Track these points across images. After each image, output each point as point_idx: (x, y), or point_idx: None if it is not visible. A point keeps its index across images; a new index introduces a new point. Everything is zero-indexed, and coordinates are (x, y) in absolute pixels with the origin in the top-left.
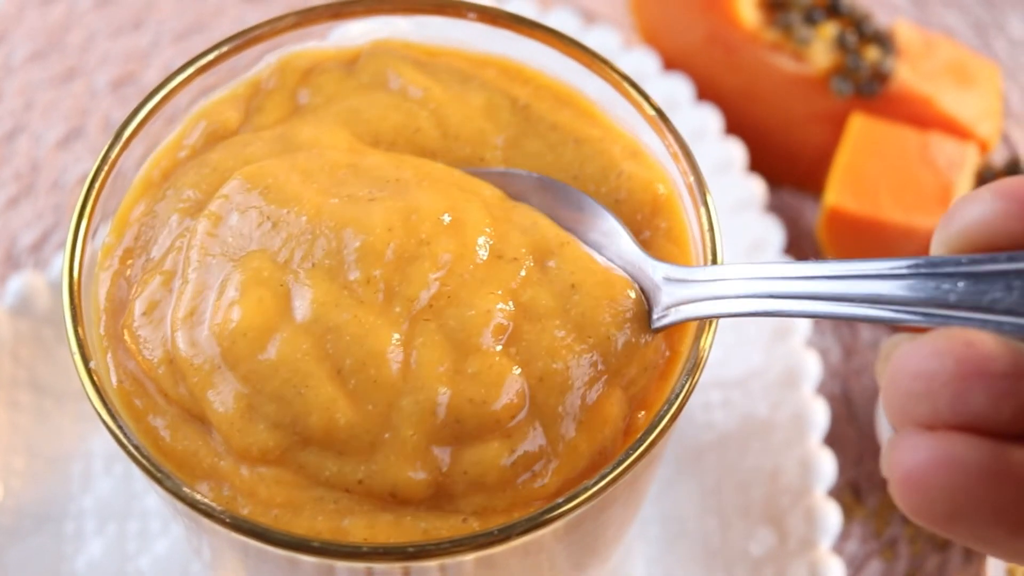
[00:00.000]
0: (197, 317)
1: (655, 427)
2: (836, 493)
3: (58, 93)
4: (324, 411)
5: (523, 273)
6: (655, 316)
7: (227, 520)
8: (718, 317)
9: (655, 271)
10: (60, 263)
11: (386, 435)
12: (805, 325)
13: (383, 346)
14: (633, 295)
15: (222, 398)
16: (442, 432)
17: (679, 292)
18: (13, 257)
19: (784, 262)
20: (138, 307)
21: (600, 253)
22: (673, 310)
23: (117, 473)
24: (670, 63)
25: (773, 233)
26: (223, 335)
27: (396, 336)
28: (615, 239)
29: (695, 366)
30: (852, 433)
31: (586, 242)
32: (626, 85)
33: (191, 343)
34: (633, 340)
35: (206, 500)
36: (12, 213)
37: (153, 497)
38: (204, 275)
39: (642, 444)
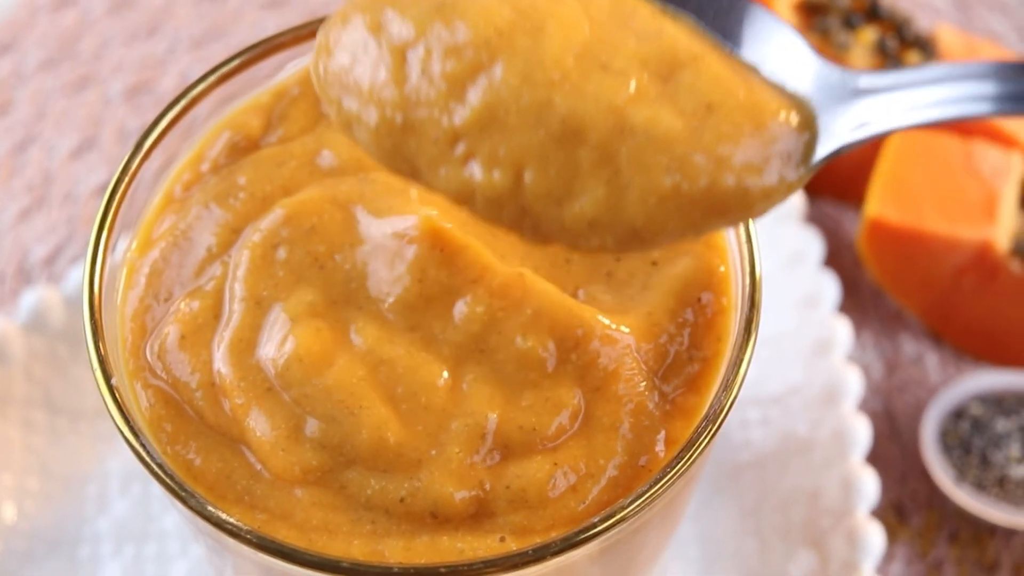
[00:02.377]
0: (246, 344)
1: (694, 443)
2: (879, 513)
3: (71, 102)
4: (375, 430)
5: None
6: (850, 127)
7: (253, 540)
8: (930, 124)
9: (852, 80)
10: (75, 277)
11: (432, 452)
12: (846, 340)
13: (434, 379)
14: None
15: (267, 420)
16: (488, 451)
17: (883, 101)
18: (25, 271)
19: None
20: (175, 330)
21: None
22: (871, 123)
23: (134, 494)
24: None
25: (812, 244)
26: (279, 360)
27: (446, 373)
28: (791, 57)
29: (734, 377)
30: (895, 451)
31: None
32: None
33: (239, 368)
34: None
35: (231, 519)
36: (24, 226)
37: (171, 518)
38: (253, 305)
39: (681, 461)
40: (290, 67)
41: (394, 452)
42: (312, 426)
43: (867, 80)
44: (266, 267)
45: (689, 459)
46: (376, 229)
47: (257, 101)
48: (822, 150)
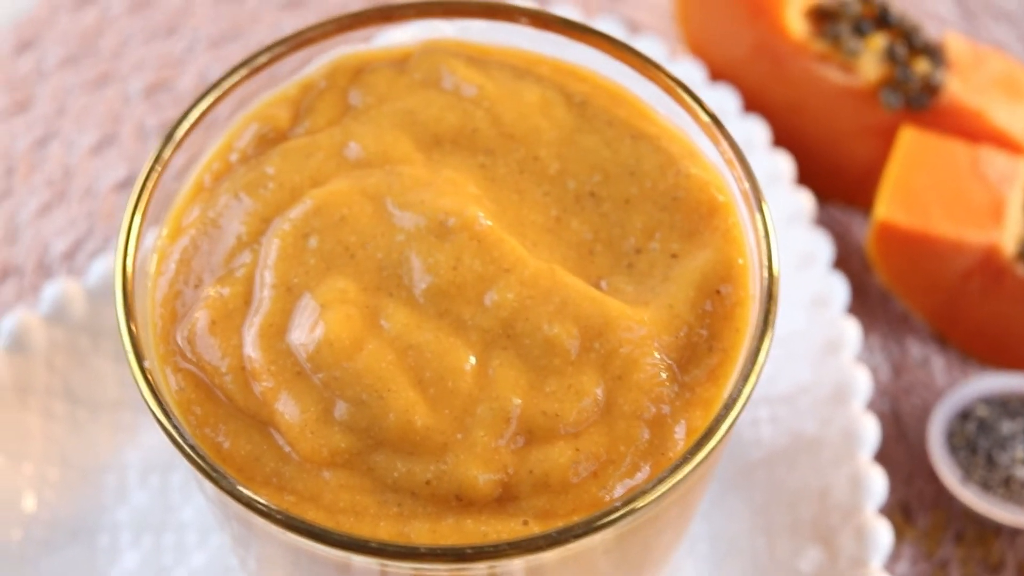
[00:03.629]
0: (276, 329)
1: (712, 432)
2: (886, 513)
3: (91, 99)
4: (403, 413)
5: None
6: None
7: (281, 519)
8: None
9: None
10: (97, 270)
11: (458, 435)
12: (855, 340)
13: (461, 363)
14: None
15: (296, 403)
16: (513, 436)
17: None
18: (45, 265)
19: None
20: (206, 316)
21: None
22: None
23: (153, 485)
24: (716, 74)
25: (822, 246)
26: (309, 344)
27: (473, 359)
28: None
29: (752, 367)
30: (902, 452)
31: None
32: (679, 90)
33: (269, 351)
34: None
35: (261, 499)
36: (44, 220)
37: (190, 509)
38: (284, 292)
39: (700, 449)
40: (315, 62)
41: (421, 435)
42: (341, 409)
43: None
44: (297, 255)
45: (708, 448)
46: (408, 220)
47: (285, 94)
48: None
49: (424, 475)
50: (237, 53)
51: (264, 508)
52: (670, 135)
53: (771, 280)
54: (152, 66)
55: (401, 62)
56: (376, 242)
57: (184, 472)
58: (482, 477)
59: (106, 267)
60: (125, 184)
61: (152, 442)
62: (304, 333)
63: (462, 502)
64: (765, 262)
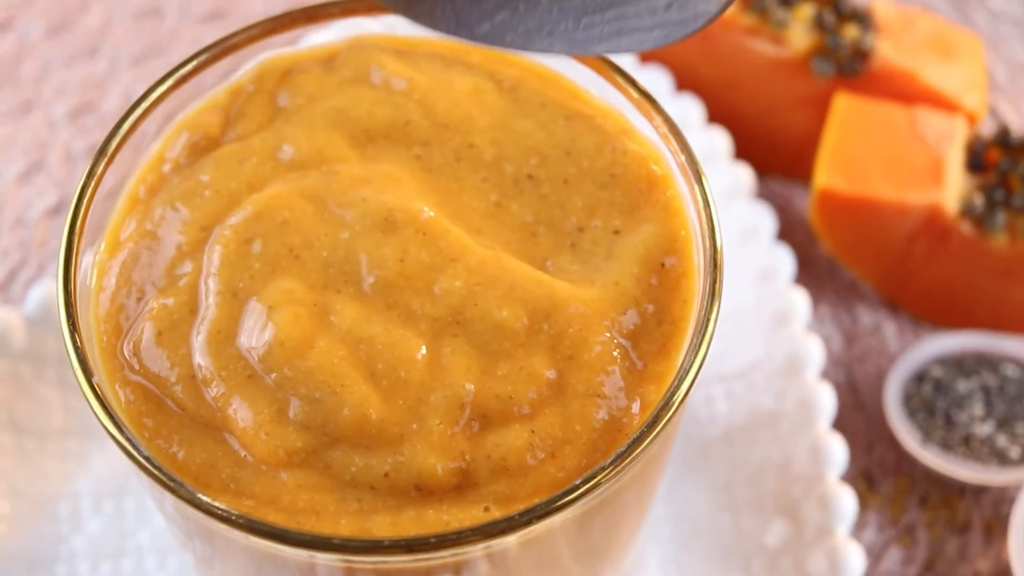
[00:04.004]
0: (224, 335)
1: (668, 404)
2: (849, 482)
3: (15, 127)
4: (357, 407)
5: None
6: None
7: (242, 523)
8: None
9: None
10: (35, 297)
11: (414, 426)
12: (805, 310)
13: (412, 353)
14: None
15: (249, 406)
16: (468, 421)
17: None
18: None
19: None
20: (151, 327)
21: None
22: None
23: (107, 511)
24: (646, 56)
25: (764, 219)
26: (260, 346)
27: (424, 348)
28: None
29: (703, 337)
30: (860, 421)
31: None
32: (610, 70)
33: (219, 358)
34: None
35: (222, 505)
36: None
37: (146, 533)
38: (230, 297)
39: (656, 421)
40: (243, 68)
41: (376, 428)
42: (295, 408)
43: None
44: (240, 260)
45: (665, 419)
46: (351, 218)
47: (214, 100)
48: None
49: (382, 468)
50: (160, 70)
51: (224, 513)
52: (604, 114)
53: (715, 249)
54: (75, 89)
55: (328, 60)
56: (321, 241)
57: (138, 496)
58: (440, 465)
59: (44, 294)
60: (57, 210)
61: (103, 468)
62: (253, 336)
63: (422, 492)
64: (707, 232)
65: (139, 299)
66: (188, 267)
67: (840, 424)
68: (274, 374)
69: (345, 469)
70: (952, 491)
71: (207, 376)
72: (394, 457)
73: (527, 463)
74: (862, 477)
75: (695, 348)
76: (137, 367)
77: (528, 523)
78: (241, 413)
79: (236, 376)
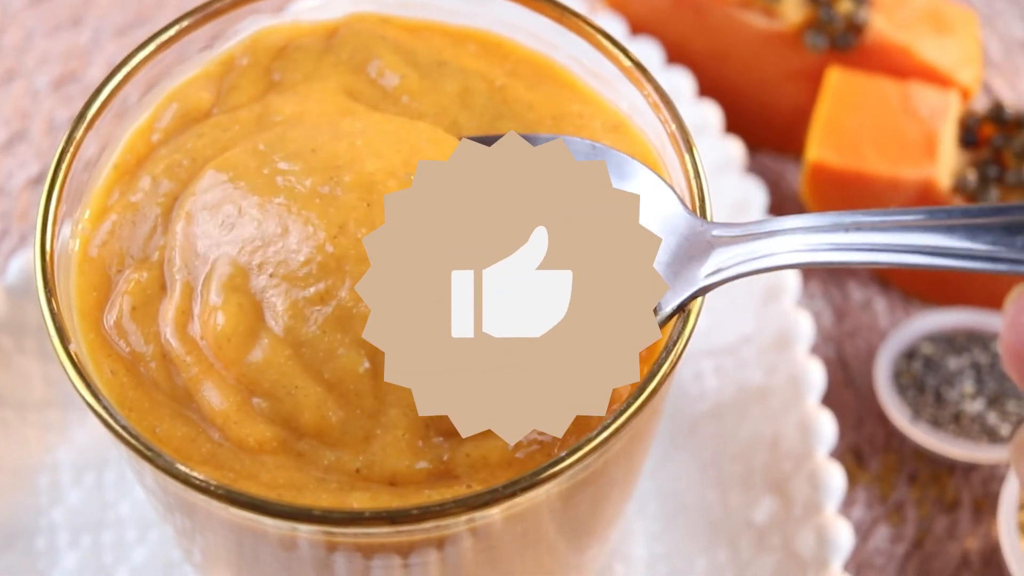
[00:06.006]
0: (188, 316)
1: (653, 376)
2: (837, 458)
3: None
4: (315, 410)
5: None
6: (704, 274)
7: (222, 494)
8: (772, 270)
9: (706, 231)
10: (15, 267)
11: (378, 431)
12: (795, 285)
13: (355, 366)
14: None
15: (218, 392)
16: (437, 427)
17: (733, 251)
18: None
19: (840, 214)
20: (127, 302)
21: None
22: (724, 270)
23: (87, 483)
24: (637, 27)
25: (756, 194)
26: (211, 337)
27: (366, 362)
28: (660, 204)
29: (688, 313)
30: (850, 397)
31: None
32: (600, 38)
33: (185, 341)
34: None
35: (201, 476)
36: None
37: (127, 505)
38: (187, 276)
39: (643, 391)
40: (229, 36)
41: (339, 430)
42: (258, 401)
43: (719, 231)
44: (196, 233)
45: (649, 390)
46: (293, 178)
47: (206, 71)
48: (677, 297)
49: (353, 464)
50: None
51: (203, 484)
52: (594, 108)
53: (704, 218)
54: (58, 59)
55: (327, 37)
56: (255, 212)
57: (119, 468)
58: (416, 464)
59: (24, 264)
60: (38, 180)
61: (83, 440)
62: (202, 326)
63: (397, 486)
64: (698, 203)
65: (119, 271)
66: (160, 240)
67: (829, 400)
68: (231, 369)
69: (318, 460)
70: (941, 468)
71: (175, 358)
72: (365, 455)
73: (512, 457)
74: (851, 454)
75: (683, 321)
76: (118, 341)
77: (513, 495)
78: (211, 398)
79: (202, 362)
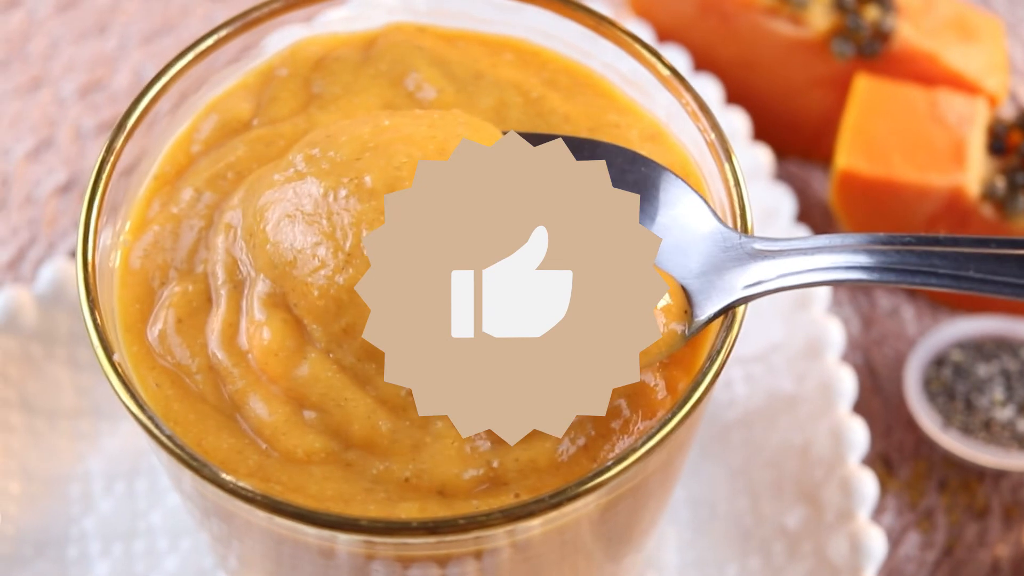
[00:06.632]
0: (235, 328)
1: (698, 385)
2: (867, 465)
3: (24, 104)
4: (365, 420)
5: None
6: (743, 284)
7: (266, 503)
8: (814, 285)
9: (746, 244)
10: (46, 276)
11: (428, 439)
12: (825, 293)
13: (395, 389)
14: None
15: (265, 405)
16: (486, 437)
17: (774, 264)
18: None
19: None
20: (172, 314)
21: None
22: (765, 282)
23: (118, 492)
24: (664, 35)
25: (784, 202)
26: (257, 351)
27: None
28: (695, 219)
29: (732, 319)
30: (878, 404)
31: (656, 224)
32: (637, 46)
33: (232, 353)
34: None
35: (244, 484)
36: None
37: (158, 514)
38: (233, 289)
39: (687, 402)
40: (265, 45)
41: (388, 439)
42: (308, 414)
43: (762, 244)
44: (235, 248)
45: (697, 400)
46: (314, 189)
47: (244, 82)
48: (714, 306)
49: (403, 473)
50: (171, 48)
51: (248, 494)
52: (631, 118)
53: (744, 226)
54: (84, 67)
55: (365, 48)
56: (289, 227)
57: (150, 477)
58: (465, 474)
59: (55, 272)
60: (67, 188)
61: (114, 448)
62: (249, 340)
63: (446, 496)
64: (738, 212)
65: (162, 283)
66: (205, 253)
67: (859, 408)
68: (279, 383)
69: (366, 470)
70: (971, 475)
71: (222, 370)
72: (414, 464)
73: (559, 461)
74: (880, 461)
75: (727, 330)
76: (162, 353)
77: (558, 505)
78: (259, 410)
79: (249, 374)
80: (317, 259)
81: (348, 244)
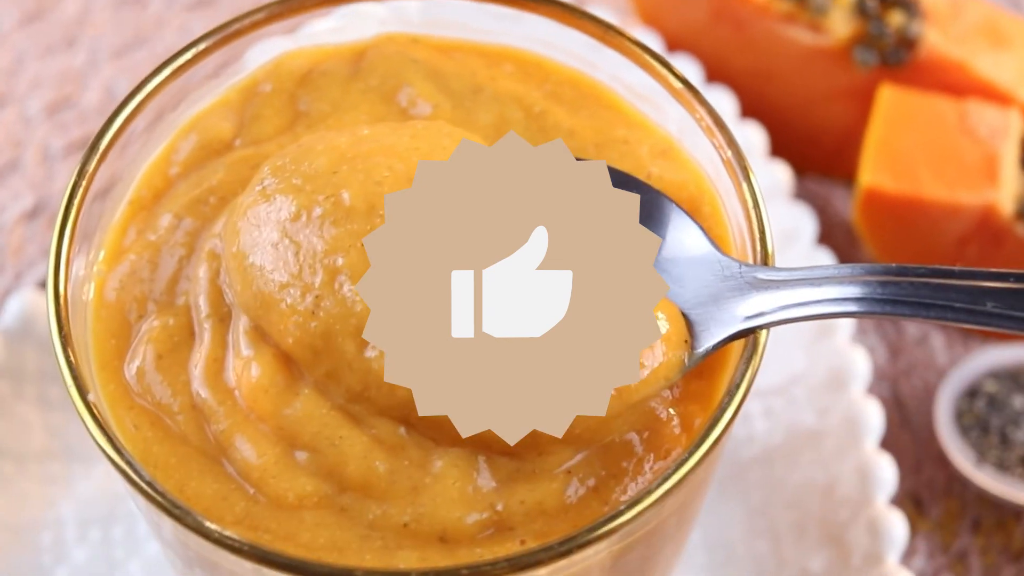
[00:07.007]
0: (220, 365)
1: (717, 421)
2: (896, 505)
3: None
4: (362, 460)
5: None
6: (744, 315)
7: (254, 553)
8: (820, 318)
9: (746, 273)
10: (12, 309)
11: (428, 480)
12: (849, 321)
13: (393, 427)
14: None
15: (252, 447)
16: (489, 477)
17: (777, 295)
18: None
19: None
20: (151, 350)
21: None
22: (767, 314)
23: (93, 540)
24: (673, 44)
25: (805, 222)
26: (245, 388)
27: (401, 428)
28: (691, 247)
29: (753, 351)
30: (907, 439)
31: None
32: (645, 56)
33: (217, 391)
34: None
35: (230, 533)
36: None
37: (137, 563)
38: (218, 322)
39: (705, 440)
40: (247, 58)
41: (386, 481)
42: (300, 454)
43: (764, 273)
44: (220, 281)
45: (713, 437)
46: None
47: (225, 99)
48: (713, 337)
49: (401, 517)
50: (145, 62)
51: (235, 544)
52: (640, 133)
53: (765, 253)
54: (51, 83)
55: (354, 61)
56: (272, 255)
57: (127, 523)
58: (468, 518)
59: (22, 305)
60: (33, 214)
61: (88, 493)
62: (236, 377)
63: (447, 543)
64: (757, 234)
65: (140, 317)
66: (186, 284)
67: (885, 443)
68: (268, 422)
69: (362, 515)
70: (1007, 514)
71: (207, 409)
72: (413, 508)
73: (567, 504)
74: (910, 500)
75: (746, 360)
76: (140, 392)
77: (567, 553)
78: (245, 452)
79: (235, 413)
80: (285, 303)
81: (318, 281)
